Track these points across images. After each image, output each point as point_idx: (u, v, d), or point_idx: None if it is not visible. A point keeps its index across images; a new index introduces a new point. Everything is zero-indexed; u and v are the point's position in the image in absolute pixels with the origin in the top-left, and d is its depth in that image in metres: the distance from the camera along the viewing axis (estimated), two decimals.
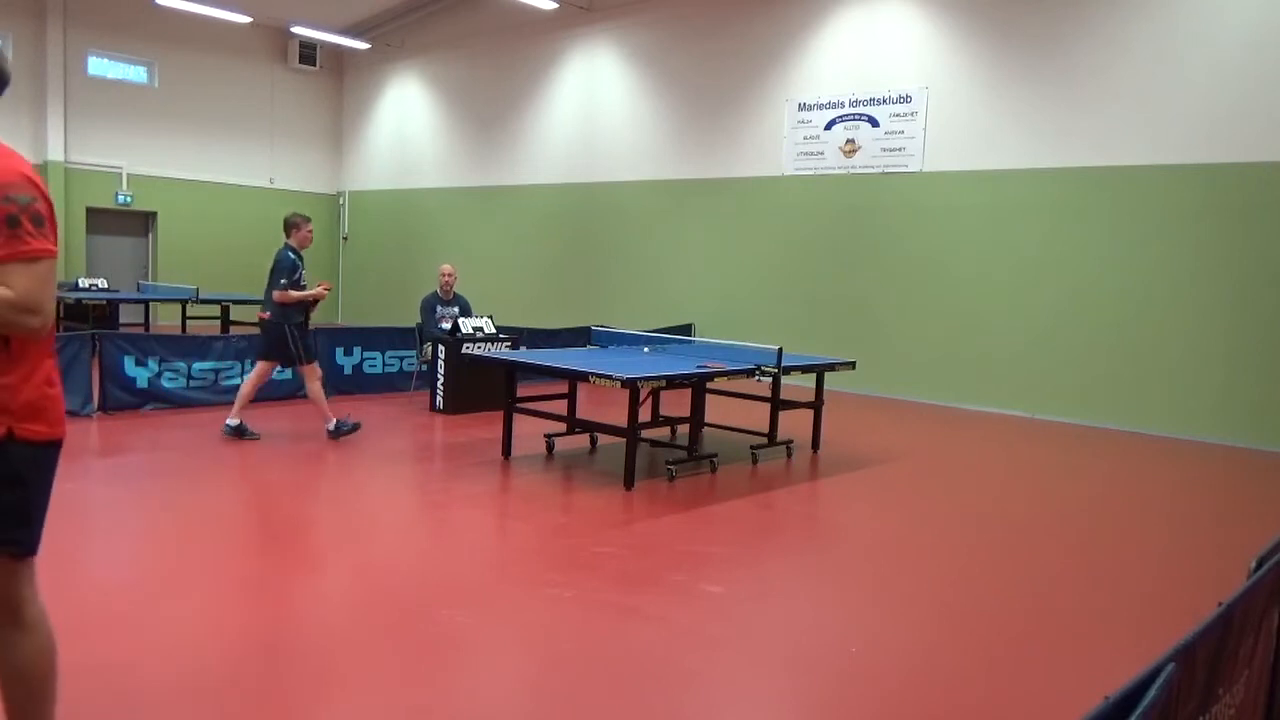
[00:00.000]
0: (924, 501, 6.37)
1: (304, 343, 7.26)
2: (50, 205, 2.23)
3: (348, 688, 3.17)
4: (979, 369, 10.86)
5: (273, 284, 7.23)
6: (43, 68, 15.72)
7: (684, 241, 13.78)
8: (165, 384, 8.40)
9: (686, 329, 12.92)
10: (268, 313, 7.27)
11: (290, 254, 7.25)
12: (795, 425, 8.12)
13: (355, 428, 7.52)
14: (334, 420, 7.43)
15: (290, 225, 7.39)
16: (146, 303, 14.39)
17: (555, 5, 14.64)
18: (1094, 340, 10.05)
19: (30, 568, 2.32)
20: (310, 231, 7.48)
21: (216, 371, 8.76)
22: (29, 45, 15.61)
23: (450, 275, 9.78)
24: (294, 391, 9.26)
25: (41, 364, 2.24)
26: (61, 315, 13.31)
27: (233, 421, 7.34)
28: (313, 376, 7.39)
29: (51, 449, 2.28)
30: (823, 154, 12.22)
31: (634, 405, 6.18)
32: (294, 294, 7.17)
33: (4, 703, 2.33)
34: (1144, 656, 2.77)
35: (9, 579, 2.26)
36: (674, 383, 6.58)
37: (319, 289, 7.34)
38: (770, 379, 7.07)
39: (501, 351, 9.07)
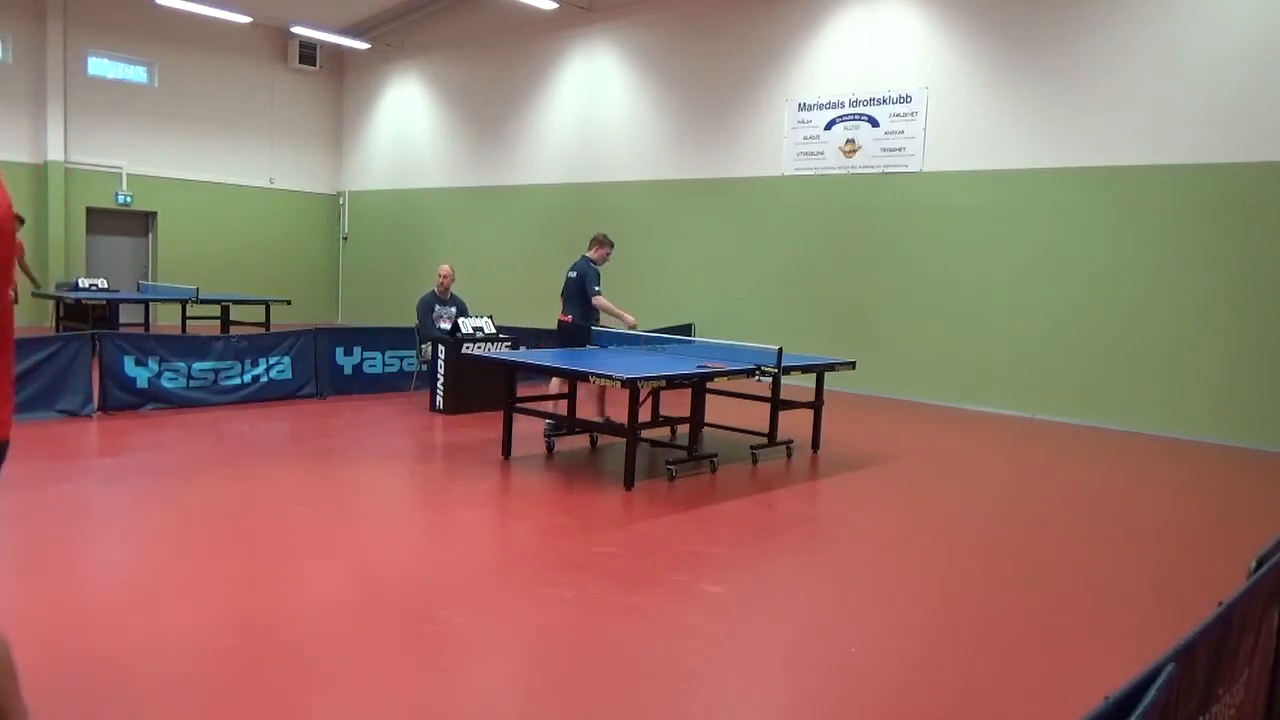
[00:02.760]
0: (924, 501, 6.37)
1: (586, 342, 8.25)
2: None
3: (347, 688, 3.17)
4: (979, 369, 10.86)
5: (583, 289, 8.11)
6: (43, 68, 15.72)
7: (684, 241, 13.78)
8: (165, 384, 8.40)
9: (686, 329, 12.91)
10: (570, 315, 8.22)
11: (593, 265, 8.20)
12: (795, 425, 8.12)
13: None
14: (601, 416, 8.20)
15: (595, 241, 8.36)
16: (146, 303, 14.37)
17: (555, 5, 14.64)
18: (1094, 340, 10.05)
19: None
20: (608, 253, 8.41)
21: (216, 371, 8.76)
22: (29, 45, 15.62)
23: (448, 276, 9.81)
24: (294, 391, 9.27)
25: None
26: (61, 315, 13.33)
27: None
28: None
29: None
30: (823, 154, 12.22)
31: (634, 405, 6.18)
32: (608, 304, 8.13)
33: None
34: (1144, 656, 2.77)
35: None
36: (674, 383, 6.58)
37: (631, 318, 8.28)
38: (770, 379, 7.07)
39: (501, 351, 9.07)
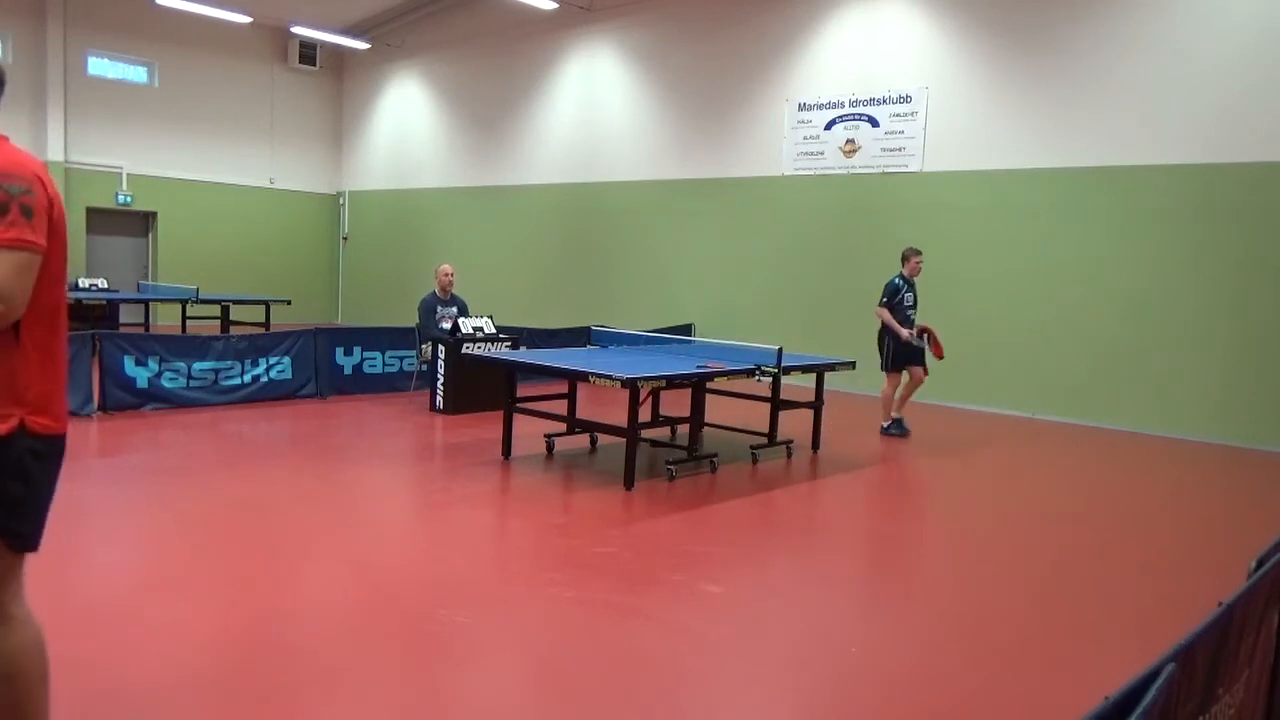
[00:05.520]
0: (923, 501, 6.37)
1: (893, 355, 8.72)
2: (50, 201, 2.20)
3: (347, 688, 3.17)
4: (979, 369, 10.86)
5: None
6: (43, 68, 15.72)
7: (684, 241, 13.78)
8: (165, 384, 8.40)
9: (686, 329, 12.91)
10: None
11: (896, 280, 8.74)
12: (795, 425, 8.12)
13: (902, 432, 8.75)
14: (892, 421, 8.82)
15: (903, 256, 8.86)
16: (146, 303, 14.39)
17: (555, 5, 14.64)
18: (1094, 340, 10.05)
19: (21, 563, 2.31)
20: (919, 262, 8.84)
21: (216, 371, 8.76)
22: (29, 45, 15.62)
23: (451, 275, 9.82)
24: (294, 391, 9.28)
25: (52, 357, 2.27)
26: None
27: (886, 423, 8.84)
28: (888, 383, 8.83)
29: (57, 443, 2.30)
30: (823, 154, 12.22)
31: (634, 405, 6.18)
32: (885, 316, 8.63)
33: None
34: (1144, 656, 2.77)
35: (3, 573, 2.25)
36: (674, 383, 6.58)
37: (906, 331, 8.59)
38: (770, 379, 7.08)
39: (501, 351, 9.07)
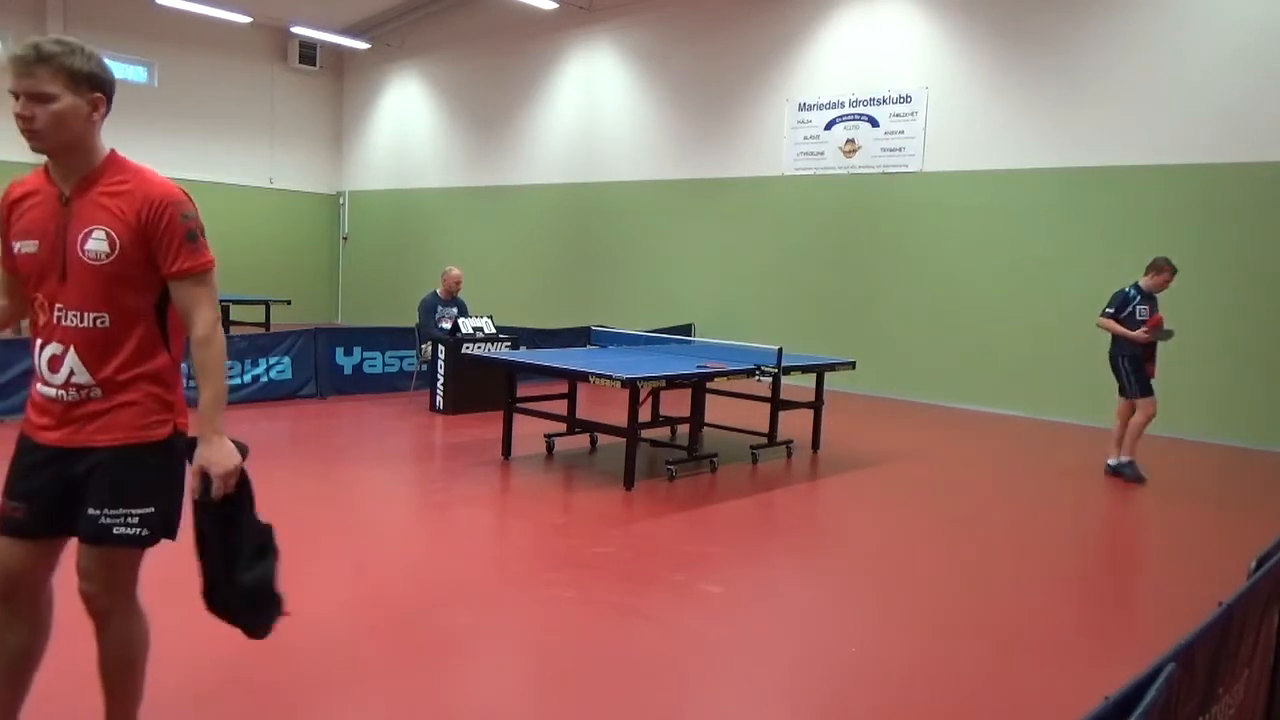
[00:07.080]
0: (924, 502, 6.37)
1: (1134, 376, 7.31)
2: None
3: (347, 688, 3.17)
4: (979, 369, 10.86)
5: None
6: None
7: (684, 241, 13.78)
8: None
9: (686, 329, 12.91)
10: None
11: (1129, 289, 7.41)
12: (795, 425, 8.12)
13: (1136, 476, 7.25)
14: (1125, 458, 7.33)
15: (1157, 267, 7.42)
16: None
17: (555, 5, 14.64)
18: (1094, 340, 9.98)
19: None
20: (1164, 279, 7.39)
21: None
22: None
23: (460, 280, 9.83)
24: (294, 392, 9.27)
25: (179, 364, 2.49)
26: None
27: (1113, 461, 7.43)
28: (1140, 411, 7.30)
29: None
30: (823, 154, 12.22)
31: (634, 405, 6.18)
32: (1109, 325, 7.36)
33: (108, 693, 2.50)
34: (1144, 656, 2.77)
35: (136, 567, 2.47)
36: (674, 383, 6.58)
37: (1134, 333, 7.22)
38: (770, 379, 7.08)
39: (501, 351, 9.07)
